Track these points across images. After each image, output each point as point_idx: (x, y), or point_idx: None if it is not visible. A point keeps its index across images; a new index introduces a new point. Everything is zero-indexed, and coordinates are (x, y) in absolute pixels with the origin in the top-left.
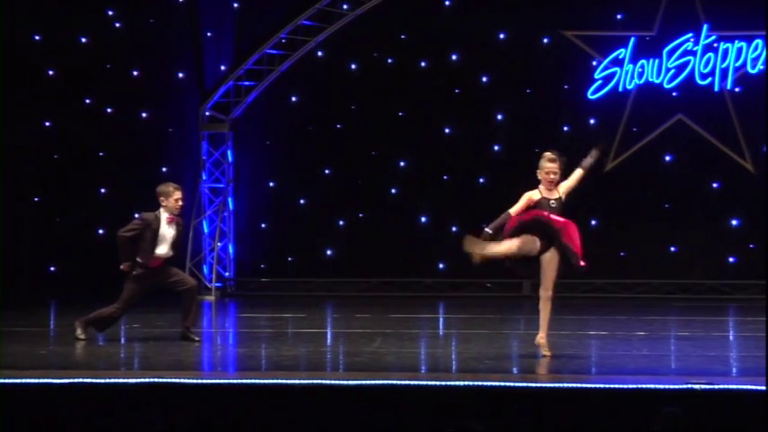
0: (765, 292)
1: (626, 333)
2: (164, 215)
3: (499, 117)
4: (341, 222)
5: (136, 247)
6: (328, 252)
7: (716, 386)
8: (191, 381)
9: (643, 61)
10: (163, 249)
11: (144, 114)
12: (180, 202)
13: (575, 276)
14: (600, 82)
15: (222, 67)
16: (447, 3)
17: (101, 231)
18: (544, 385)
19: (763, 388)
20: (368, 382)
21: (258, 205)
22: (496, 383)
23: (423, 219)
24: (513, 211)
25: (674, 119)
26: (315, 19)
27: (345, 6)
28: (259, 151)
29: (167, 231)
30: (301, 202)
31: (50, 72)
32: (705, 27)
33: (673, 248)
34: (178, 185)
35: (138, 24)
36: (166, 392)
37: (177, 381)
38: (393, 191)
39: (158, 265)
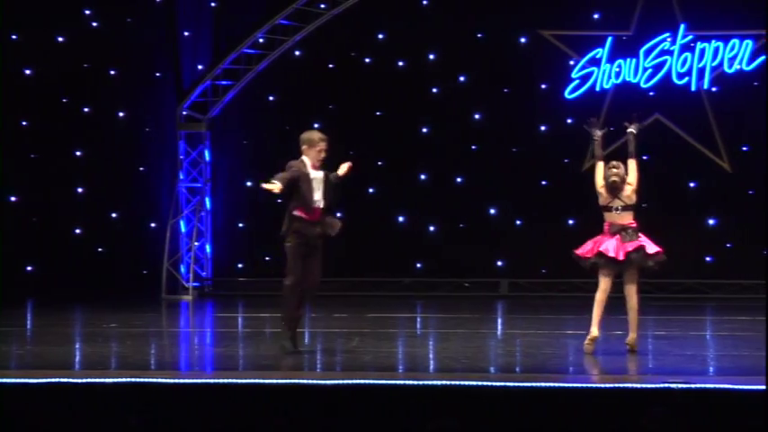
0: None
1: (604, 332)
2: (308, 162)
3: (477, 117)
4: None
5: (292, 201)
6: None
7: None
8: (168, 380)
9: (620, 61)
10: (318, 195)
11: (121, 114)
12: (323, 154)
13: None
14: (577, 81)
15: (199, 67)
16: (424, 2)
17: (78, 231)
18: (522, 385)
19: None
20: (345, 381)
21: (235, 205)
22: (474, 383)
23: (400, 218)
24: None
25: (651, 118)
26: (292, 18)
27: (323, 6)
28: (236, 151)
29: (317, 175)
30: (279, 201)
31: (27, 71)
32: (682, 27)
33: None
34: (324, 135)
35: (115, 24)
36: (144, 392)
37: (155, 381)
38: (371, 190)
39: (317, 217)
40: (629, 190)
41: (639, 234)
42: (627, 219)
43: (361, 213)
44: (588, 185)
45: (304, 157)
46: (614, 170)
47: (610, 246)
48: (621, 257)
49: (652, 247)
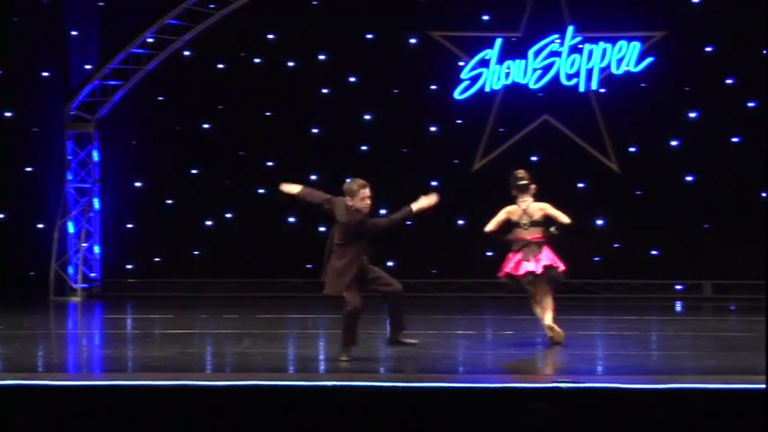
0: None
1: (494, 332)
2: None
3: (367, 117)
4: (208, 222)
5: (359, 245)
6: (196, 252)
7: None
8: (56, 383)
9: (509, 62)
10: None
11: (7, 114)
12: (367, 201)
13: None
14: (467, 82)
15: (88, 67)
16: (314, 2)
17: None
18: (411, 385)
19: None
20: (235, 382)
21: (125, 205)
22: (364, 383)
23: (291, 219)
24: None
25: (540, 119)
26: (182, 18)
27: (212, 6)
28: (125, 151)
29: None
30: (168, 201)
31: None
32: (571, 28)
33: None
34: (364, 182)
35: (1, 22)
36: (31, 395)
37: (42, 383)
38: (261, 191)
39: None
40: (540, 213)
41: (543, 248)
42: (533, 234)
43: (252, 214)
44: (479, 186)
45: (348, 202)
46: (519, 175)
47: (514, 266)
48: (521, 274)
49: (540, 267)
